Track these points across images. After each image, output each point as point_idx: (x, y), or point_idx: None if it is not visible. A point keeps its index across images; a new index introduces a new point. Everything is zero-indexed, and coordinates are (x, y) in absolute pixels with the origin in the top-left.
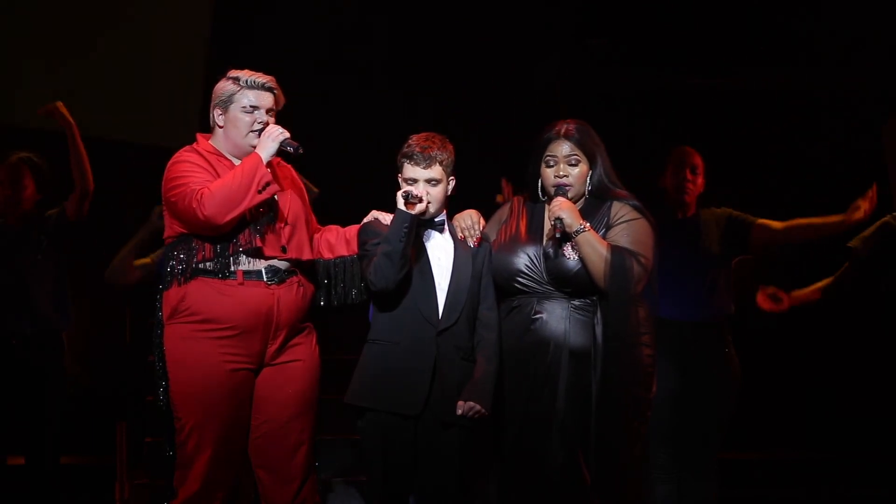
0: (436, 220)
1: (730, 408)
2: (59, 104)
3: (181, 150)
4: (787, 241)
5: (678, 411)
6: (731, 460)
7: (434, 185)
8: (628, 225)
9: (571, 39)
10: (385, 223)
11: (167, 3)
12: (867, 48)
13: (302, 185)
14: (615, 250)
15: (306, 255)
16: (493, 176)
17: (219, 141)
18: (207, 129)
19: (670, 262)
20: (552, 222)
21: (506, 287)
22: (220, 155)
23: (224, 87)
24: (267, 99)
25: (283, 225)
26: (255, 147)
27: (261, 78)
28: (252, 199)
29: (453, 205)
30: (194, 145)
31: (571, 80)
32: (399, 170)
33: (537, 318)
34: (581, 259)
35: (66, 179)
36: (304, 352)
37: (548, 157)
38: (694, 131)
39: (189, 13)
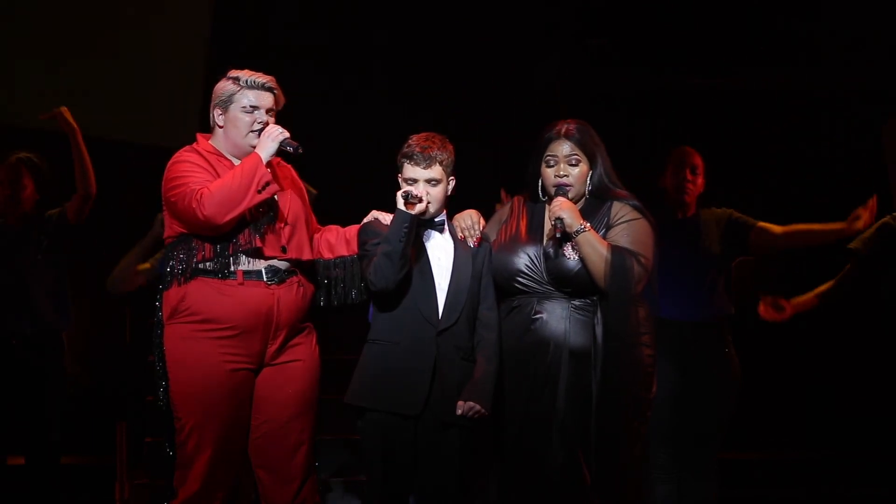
0: (436, 220)
1: (730, 408)
2: (64, 109)
3: (181, 150)
4: (786, 246)
5: (678, 411)
6: (731, 460)
7: (434, 185)
8: (628, 225)
9: (571, 39)
10: (385, 223)
11: (167, 3)
12: (867, 48)
13: (302, 185)
14: (615, 250)
15: (306, 255)
16: (493, 176)
17: (219, 141)
18: (207, 129)
19: (670, 262)
20: (552, 222)
21: (506, 287)
22: (220, 155)
23: (224, 87)
24: (267, 99)
25: (282, 225)
26: (254, 147)
27: (261, 78)
28: (252, 199)
29: (453, 205)
30: (194, 145)
31: (571, 80)
32: (399, 170)
33: (537, 318)
34: (581, 259)
35: (66, 180)
36: (304, 352)
37: (548, 157)
38: (694, 131)
39: (189, 13)
